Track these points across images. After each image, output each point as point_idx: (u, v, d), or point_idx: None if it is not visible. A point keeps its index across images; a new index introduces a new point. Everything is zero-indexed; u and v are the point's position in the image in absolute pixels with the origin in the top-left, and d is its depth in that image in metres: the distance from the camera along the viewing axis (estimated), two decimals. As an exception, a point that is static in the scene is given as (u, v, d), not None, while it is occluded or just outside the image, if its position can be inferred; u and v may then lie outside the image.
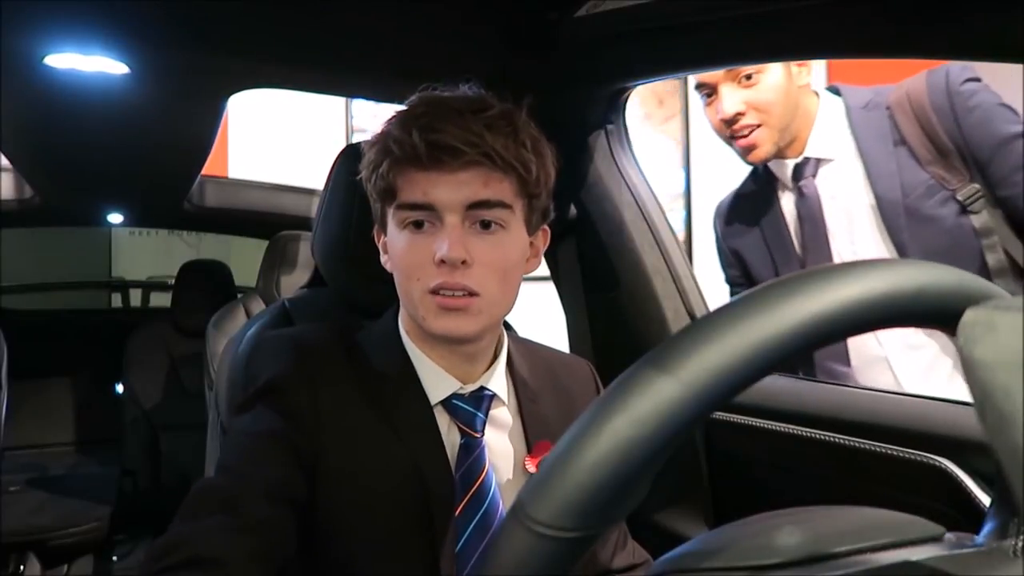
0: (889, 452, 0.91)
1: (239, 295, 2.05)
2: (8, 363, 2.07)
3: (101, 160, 1.85)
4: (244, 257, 2.97)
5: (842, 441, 0.96)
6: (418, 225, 0.78)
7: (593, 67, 1.11)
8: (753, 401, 1.09)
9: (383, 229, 0.84)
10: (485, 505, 0.80)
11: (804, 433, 1.02)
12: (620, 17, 0.96)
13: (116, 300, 4.22)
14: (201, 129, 1.57)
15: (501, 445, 0.85)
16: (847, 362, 1.28)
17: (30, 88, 1.25)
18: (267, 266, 1.79)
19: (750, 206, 1.43)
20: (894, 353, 1.25)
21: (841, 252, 1.29)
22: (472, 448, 0.82)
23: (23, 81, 1.21)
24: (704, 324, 0.37)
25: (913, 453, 0.88)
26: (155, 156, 1.83)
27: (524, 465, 0.85)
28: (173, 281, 2.85)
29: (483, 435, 0.83)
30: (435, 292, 0.77)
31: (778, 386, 1.11)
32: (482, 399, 0.84)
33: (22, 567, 2.25)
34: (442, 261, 0.75)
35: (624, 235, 1.26)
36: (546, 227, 0.87)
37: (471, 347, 0.82)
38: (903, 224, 1.22)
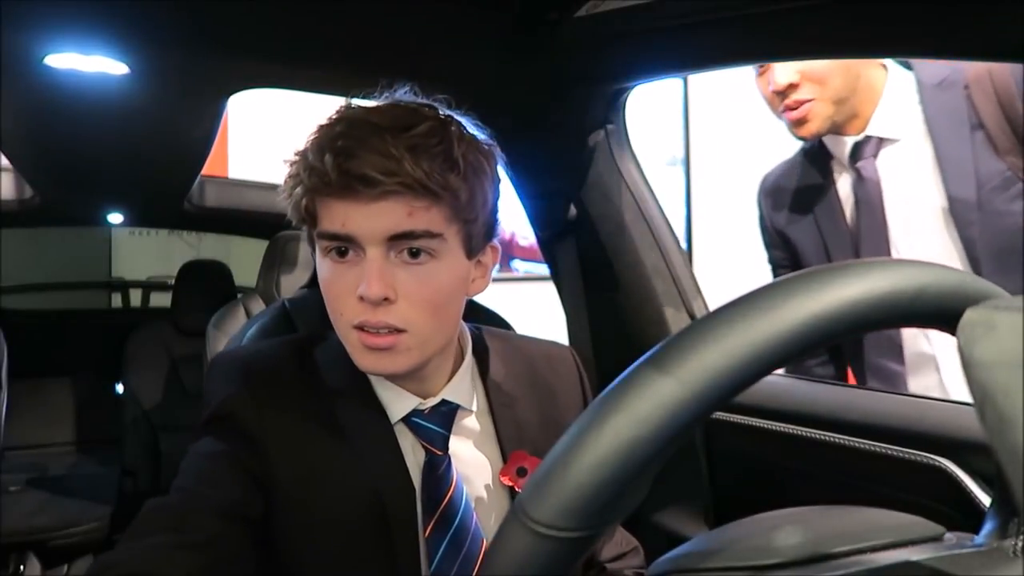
0: (889, 452, 0.91)
1: (239, 295, 2.05)
2: (8, 363, 2.07)
3: (101, 160, 1.85)
4: (244, 257, 2.97)
5: (842, 441, 0.96)
6: (341, 253, 0.72)
7: (593, 67, 1.11)
8: (753, 401, 1.09)
9: (313, 250, 0.78)
10: (456, 522, 0.77)
11: (804, 433, 1.02)
12: (620, 17, 0.96)
13: (116, 300, 4.22)
14: (201, 129, 1.57)
15: (472, 456, 0.82)
16: (901, 360, 1.21)
17: (30, 88, 1.25)
18: (267, 266, 1.79)
19: (801, 185, 1.33)
20: (942, 352, 1.18)
21: (899, 243, 1.20)
22: (436, 465, 0.78)
23: (23, 81, 1.21)
24: (704, 324, 0.37)
25: (913, 453, 0.88)
26: (155, 156, 1.83)
27: (500, 478, 0.81)
28: (173, 281, 2.85)
29: (447, 451, 0.79)
30: (359, 328, 0.72)
31: (778, 386, 1.11)
32: (445, 414, 0.80)
33: (22, 567, 2.26)
34: (362, 298, 0.70)
35: (624, 235, 1.25)
36: (495, 243, 0.81)
37: (415, 375, 0.78)
38: (974, 218, 1.12)
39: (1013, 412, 0.30)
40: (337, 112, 0.73)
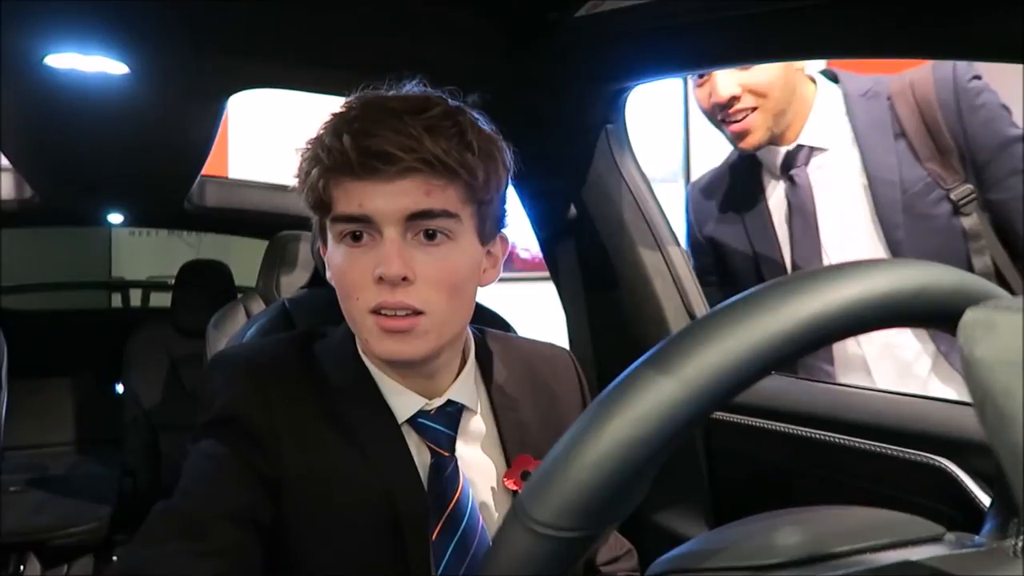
0: (889, 452, 0.91)
1: (239, 295, 2.05)
2: (8, 363, 2.07)
3: (101, 160, 1.85)
4: (244, 257, 2.97)
5: (842, 441, 0.96)
6: (356, 238, 0.72)
7: (593, 67, 1.11)
8: (753, 401, 1.09)
9: (324, 242, 0.78)
10: (463, 525, 0.76)
11: (804, 433, 1.02)
12: (620, 17, 0.96)
13: (116, 300, 4.22)
14: (201, 129, 1.57)
15: (477, 458, 0.81)
16: (830, 361, 1.25)
17: (30, 88, 1.25)
18: (267, 266, 1.79)
19: (731, 193, 1.37)
20: (872, 353, 1.22)
21: (830, 248, 1.25)
22: (443, 467, 0.77)
23: (23, 81, 1.21)
24: (704, 324, 0.37)
25: (913, 453, 0.88)
26: (155, 156, 1.83)
27: (503, 482, 0.81)
28: (173, 281, 2.85)
29: (454, 452, 0.79)
30: (376, 312, 0.71)
31: (778, 386, 1.11)
32: (450, 414, 0.79)
33: (22, 567, 2.26)
34: (381, 278, 0.70)
35: (624, 235, 1.25)
36: (503, 234, 0.81)
37: (427, 367, 0.77)
38: (900, 221, 1.18)
39: (1013, 411, 0.30)
40: (349, 100, 0.74)
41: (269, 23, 1.03)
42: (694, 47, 0.98)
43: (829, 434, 0.98)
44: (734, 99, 1.22)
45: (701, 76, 1.26)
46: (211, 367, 0.81)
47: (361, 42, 1.09)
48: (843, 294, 0.36)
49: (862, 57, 0.93)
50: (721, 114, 1.25)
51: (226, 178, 2.72)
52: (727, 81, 1.22)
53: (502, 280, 0.83)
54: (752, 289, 0.38)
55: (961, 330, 0.34)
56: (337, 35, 1.07)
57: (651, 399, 0.35)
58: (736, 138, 1.27)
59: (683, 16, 0.91)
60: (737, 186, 1.37)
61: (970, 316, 0.33)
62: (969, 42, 0.73)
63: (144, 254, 4.82)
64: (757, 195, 1.33)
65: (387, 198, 0.70)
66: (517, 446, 0.82)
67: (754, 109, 1.23)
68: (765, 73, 1.21)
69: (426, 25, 1.05)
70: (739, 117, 1.24)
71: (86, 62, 1.12)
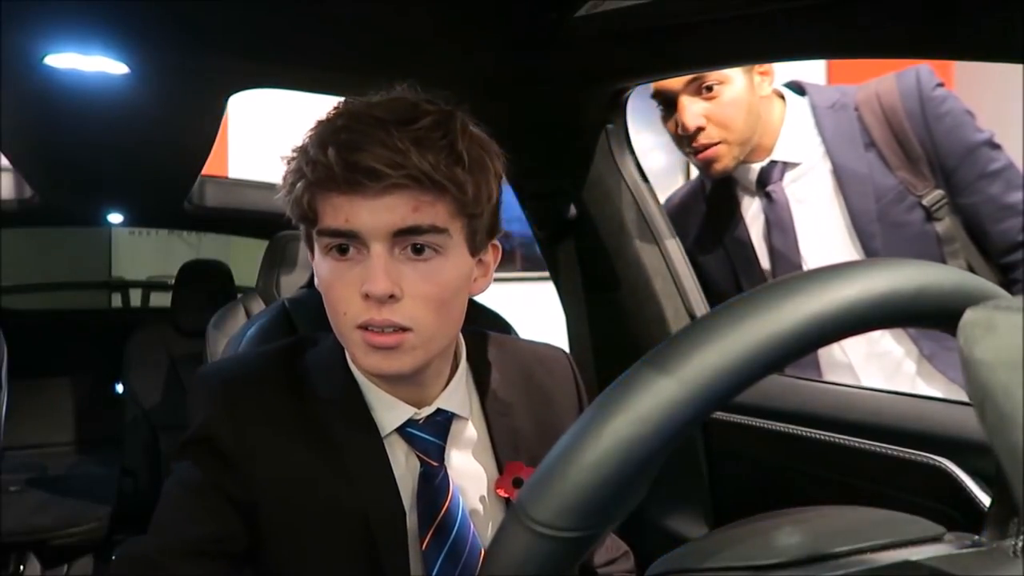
0: (889, 452, 0.91)
1: (239, 295, 2.05)
2: (8, 363, 2.07)
3: (101, 160, 1.85)
4: (244, 257, 2.97)
5: (842, 441, 0.96)
6: (342, 251, 0.70)
7: (593, 67, 1.11)
8: (753, 401, 1.09)
9: (311, 250, 0.76)
10: (453, 534, 0.75)
11: (804, 433, 1.02)
12: (620, 17, 0.96)
13: (116, 300, 4.22)
14: (201, 129, 1.57)
15: (468, 466, 0.80)
16: (816, 370, 1.26)
17: (30, 88, 1.25)
18: (267, 266, 1.79)
19: (706, 208, 1.39)
20: (858, 360, 1.23)
21: (810, 260, 1.26)
22: (432, 477, 0.76)
23: (23, 81, 1.21)
24: (704, 324, 0.37)
25: (913, 453, 0.88)
26: (155, 156, 1.83)
27: (495, 490, 0.80)
28: (173, 281, 2.85)
29: (443, 462, 0.78)
30: (363, 327, 0.70)
31: (778, 386, 1.11)
32: (440, 423, 0.78)
33: (22, 567, 2.26)
34: (367, 295, 0.68)
35: (624, 235, 1.25)
36: (496, 242, 0.79)
37: (416, 378, 0.76)
38: (876, 231, 1.19)
39: (1013, 411, 0.30)
40: (336, 107, 0.72)
41: (269, 23, 1.03)
42: (694, 47, 0.98)
43: (829, 434, 0.98)
44: (699, 130, 1.23)
45: (666, 109, 1.28)
46: (194, 383, 0.80)
47: (361, 43, 1.09)
48: (843, 294, 0.36)
49: (862, 57, 0.92)
50: (688, 146, 1.27)
51: (226, 178, 2.72)
52: (692, 112, 1.22)
53: (503, 280, 0.82)
54: (752, 289, 0.38)
55: (961, 330, 0.33)
56: (337, 36, 1.07)
57: (651, 399, 0.35)
58: (704, 166, 1.28)
59: (683, 16, 0.91)
60: (712, 200, 1.38)
61: (970, 316, 0.33)
62: (969, 42, 0.73)
63: (144, 254, 4.82)
64: (733, 211, 1.34)
65: (374, 214, 0.67)
66: (510, 452, 0.81)
67: (719, 142, 1.24)
68: (729, 105, 1.22)
69: (426, 26, 1.05)
70: (705, 147, 1.25)
71: (86, 62, 1.12)
